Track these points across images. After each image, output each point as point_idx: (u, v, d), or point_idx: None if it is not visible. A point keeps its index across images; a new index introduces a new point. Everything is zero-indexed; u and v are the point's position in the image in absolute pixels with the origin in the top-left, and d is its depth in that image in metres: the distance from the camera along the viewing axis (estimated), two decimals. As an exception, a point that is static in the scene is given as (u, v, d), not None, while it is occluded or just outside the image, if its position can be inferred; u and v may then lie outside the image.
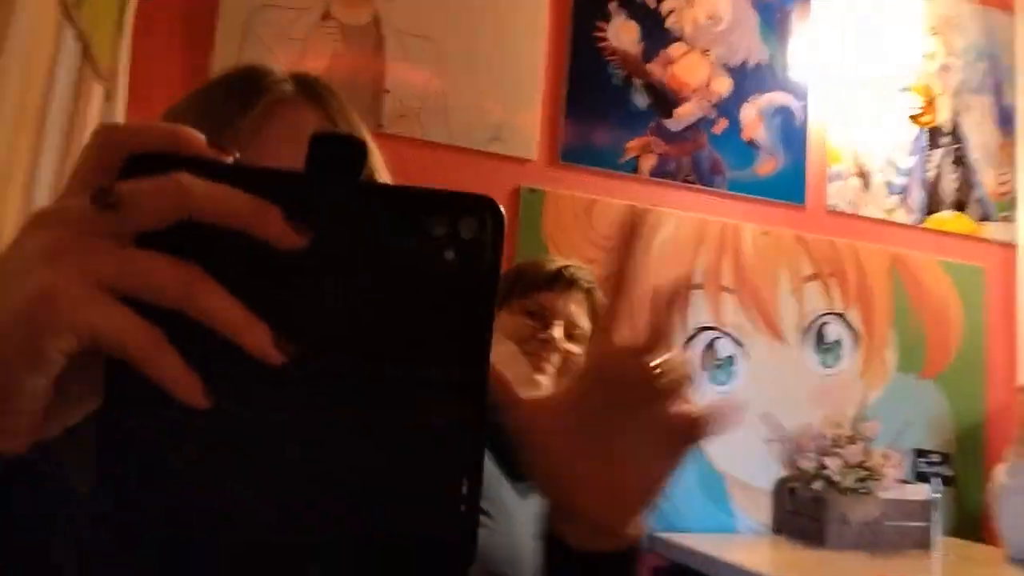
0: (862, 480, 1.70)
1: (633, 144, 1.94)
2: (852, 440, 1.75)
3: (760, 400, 1.93)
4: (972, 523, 2.02)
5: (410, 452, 0.30)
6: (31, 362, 0.27)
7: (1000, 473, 1.72)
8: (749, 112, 2.05)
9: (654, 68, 1.98)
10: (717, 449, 1.87)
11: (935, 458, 1.82)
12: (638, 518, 0.42)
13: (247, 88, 0.55)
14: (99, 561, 0.28)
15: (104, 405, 0.28)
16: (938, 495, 1.77)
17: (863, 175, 2.16)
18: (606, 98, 1.93)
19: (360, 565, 0.32)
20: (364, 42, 1.77)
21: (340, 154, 0.30)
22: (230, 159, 0.30)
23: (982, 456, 2.10)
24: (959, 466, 2.01)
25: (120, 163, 0.29)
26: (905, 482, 1.81)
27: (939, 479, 1.78)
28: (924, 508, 1.78)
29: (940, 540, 1.73)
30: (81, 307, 0.27)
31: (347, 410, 0.29)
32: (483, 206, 0.29)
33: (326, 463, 0.30)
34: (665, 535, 1.73)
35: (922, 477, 1.80)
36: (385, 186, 0.31)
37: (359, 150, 0.30)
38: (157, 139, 0.30)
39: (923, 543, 1.74)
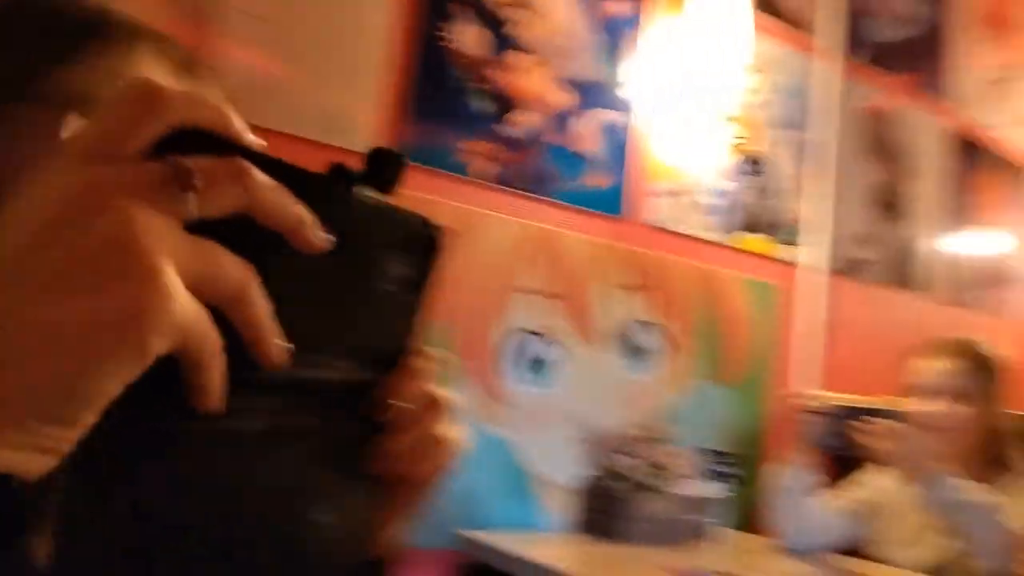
0: (657, 478, 1.84)
1: (470, 148, 1.97)
2: (651, 441, 1.89)
3: (572, 402, 2.04)
4: (752, 517, 2.24)
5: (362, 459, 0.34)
6: (127, 363, 0.24)
7: (776, 473, 1.92)
8: (583, 125, 2.14)
9: (495, 74, 2.02)
10: (525, 448, 1.96)
11: (723, 458, 2.00)
12: (395, 532, 0.42)
13: (89, 26, 0.47)
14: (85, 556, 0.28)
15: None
16: (724, 492, 1.95)
17: (681, 194, 2.32)
18: (446, 99, 1.95)
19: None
20: (193, 15, 1.68)
21: (386, 166, 0.31)
22: (261, 147, 0.28)
23: (762, 457, 2.33)
24: (744, 466, 2.22)
25: (162, 132, 0.26)
26: (696, 480, 1.98)
27: (726, 477, 1.97)
28: (712, 504, 1.95)
29: (725, 532, 1.91)
30: (183, 305, 0.24)
31: (305, 412, 0.31)
32: (430, 225, 0.34)
33: (286, 462, 0.31)
34: (468, 533, 1.76)
35: (711, 475, 1.97)
36: (367, 200, 0.31)
37: (401, 166, 0.32)
38: (208, 116, 0.27)
39: (711, 536, 1.91)
